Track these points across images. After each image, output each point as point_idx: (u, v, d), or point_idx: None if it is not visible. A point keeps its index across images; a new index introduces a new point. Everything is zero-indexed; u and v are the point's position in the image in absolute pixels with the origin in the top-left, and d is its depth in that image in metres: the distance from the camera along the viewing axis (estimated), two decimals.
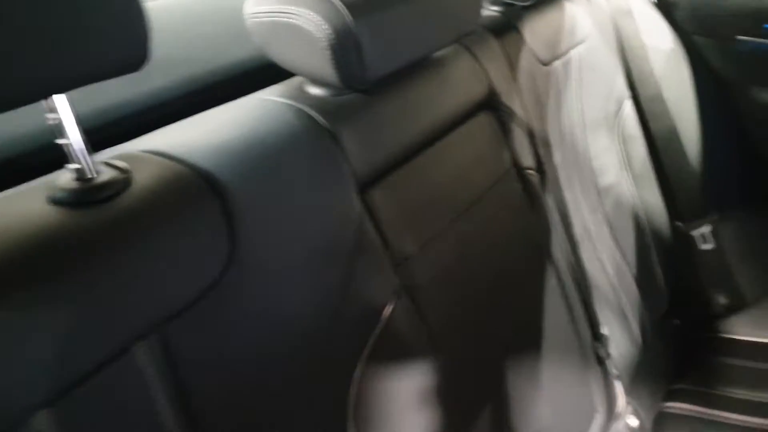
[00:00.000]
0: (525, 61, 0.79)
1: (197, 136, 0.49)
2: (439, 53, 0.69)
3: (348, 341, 0.51)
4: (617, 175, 1.01)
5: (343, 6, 0.51)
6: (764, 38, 1.11)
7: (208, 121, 0.52)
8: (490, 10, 0.84)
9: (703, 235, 1.09)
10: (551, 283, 0.76)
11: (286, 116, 0.53)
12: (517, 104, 0.76)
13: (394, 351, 0.54)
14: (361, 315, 0.52)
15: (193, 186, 0.43)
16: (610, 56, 1.02)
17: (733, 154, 1.20)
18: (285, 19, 0.53)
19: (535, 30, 0.83)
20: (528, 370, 0.70)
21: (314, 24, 0.51)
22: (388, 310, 0.53)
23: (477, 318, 0.65)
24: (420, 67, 0.65)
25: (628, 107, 1.04)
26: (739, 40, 1.13)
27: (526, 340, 0.72)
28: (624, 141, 1.03)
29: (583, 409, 0.79)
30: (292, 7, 0.53)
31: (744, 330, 1.09)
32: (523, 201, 0.75)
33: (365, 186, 0.56)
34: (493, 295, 0.68)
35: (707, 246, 1.09)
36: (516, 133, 0.75)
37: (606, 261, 0.95)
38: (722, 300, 1.12)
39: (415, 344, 0.56)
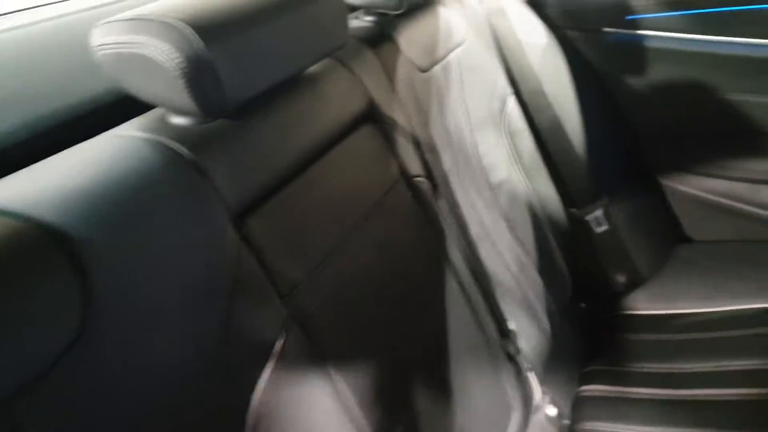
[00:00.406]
0: (403, 70, 0.79)
1: (40, 185, 0.44)
2: (312, 70, 0.67)
3: (238, 383, 0.48)
4: (508, 171, 1.03)
5: (192, 32, 0.48)
6: (627, 29, 1.18)
7: (53, 166, 0.47)
8: (364, 21, 0.83)
9: (596, 218, 1.13)
10: (452, 288, 0.76)
11: (144, 152, 0.49)
12: (399, 113, 0.76)
13: (291, 386, 0.51)
14: (250, 353, 0.49)
15: (35, 242, 0.39)
16: (489, 56, 1.05)
17: (615, 138, 1.27)
18: (133, 50, 0.49)
19: (410, 38, 0.83)
20: (438, 379, 0.69)
21: (164, 53, 0.48)
22: (278, 345, 0.51)
23: (379, 335, 0.63)
24: (291, 86, 0.63)
25: (512, 103, 1.07)
26: (606, 32, 1.19)
27: (433, 350, 0.71)
28: (511, 136, 1.05)
29: (499, 409, 0.79)
30: (139, 37, 0.49)
31: (644, 305, 1.14)
32: (416, 209, 0.75)
33: (240, 216, 0.53)
34: (394, 309, 0.67)
35: (602, 228, 1.14)
36: (401, 142, 0.74)
37: (507, 256, 0.96)
38: (621, 278, 1.17)
39: (312, 376, 0.53)
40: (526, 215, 1.04)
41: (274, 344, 0.50)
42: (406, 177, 0.74)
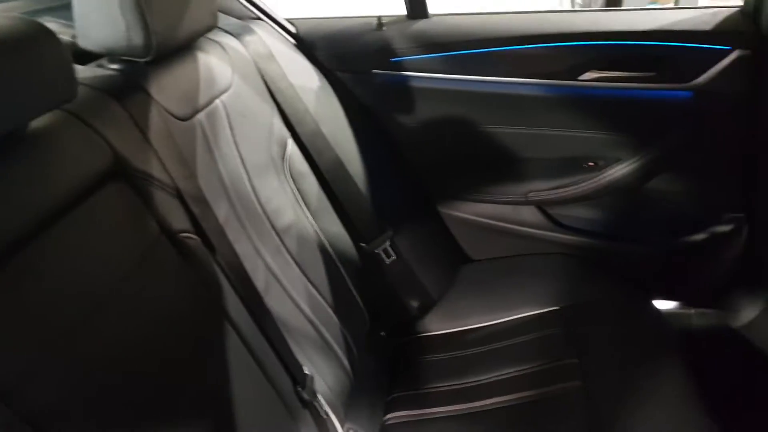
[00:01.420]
0: (157, 120, 0.74)
1: None
2: (40, 126, 0.60)
3: None
4: (295, 213, 1.02)
5: None
6: (393, 70, 1.27)
7: None
8: (109, 69, 0.77)
9: (384, 250, 1.18)
10: (233, 346, 0.72)
11: None
12: (156, 167, 0.71)
13: None
14: None
15: None
16: (261, 100, 1.04)
17: (395, 173, 1.34)
18: None
19: (164, 86, 0.79)
20: None
21: None
22: None
23: (149, 415, 0.57)
24: (11, 143, 0.55)
25: (291, 146, 1.07)
26: (374, 74, 1.27)
27: (222, 418, 0.67)
28: (295, 179, 1.05)
29: None
30: None
31: (437, 325, 1.21)
32: (184, 267, 0.70)
33: None
34: (167, 381, 0.61)
35: (391, 259, 1.18)
36: (159, 198, 0.69)
37: (300, 299, 0.95)
38: (415, 303, 1.23)
39: None
40: (317, 256, 1.05)
41: None
42: (169, 234, 0.69)
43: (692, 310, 1.38)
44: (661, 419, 0.89)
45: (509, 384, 1.01)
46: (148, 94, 0.75)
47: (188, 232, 0.72)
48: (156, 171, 0.70)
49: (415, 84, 1.26)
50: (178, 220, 0.71)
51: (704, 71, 1.12)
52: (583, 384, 0.96)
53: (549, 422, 0.93)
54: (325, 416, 0.85)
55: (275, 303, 0.89)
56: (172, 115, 0.78)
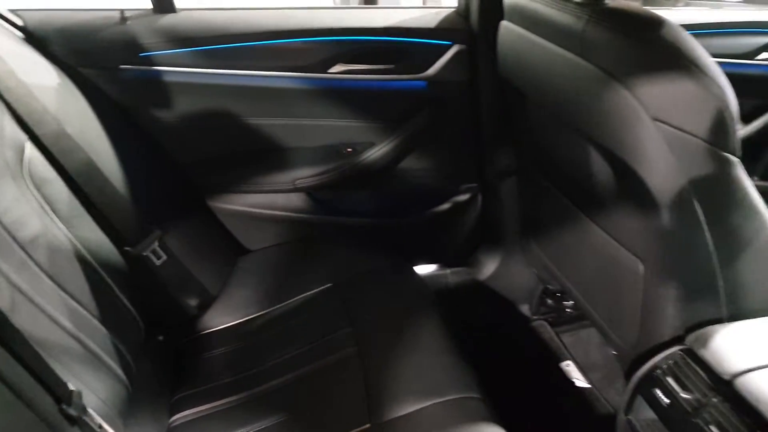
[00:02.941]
0: None
1: None
2: None
3: None
4: (42, 223, 0.94)
5: None
6: (144, 65, 1.22)
7: None
8: None
9: (154, 251, 1.14)
10: None
11: None
12: None
13: None
14: None
15: None
16: None
17: (158, 170, 1.30)
18: None
19: None
20: None
21: None
22: None
23: None
24: None
25: (30, 150, 0.98)
26: (123, 69, 1.21)
27: None
28: (38, 186, 0.96)
29: None
30: None
31: (218, 320, 1.22)
32: None
33: None
34: None
35: (161, 260, 1.15)
36: None
37: (57, 314, 0.88)
38: (193, 302, 1.22)
39: None
40: (75, 266, 0.97)
41: None
42: None
43: (447, 270, 1.59)
44: (427, 366, 1.02)
45: (290, 363, 1.07)
46: None
47: None
48: None
49: (168, 79, 1.23)
50: None
51: (433, 63, 1.30)
52: (357, 349, 1.06)
53: (329, 390, 1.01)
54: (99, 429, 0.80)
55: (26, 321, 0.81)
56: None
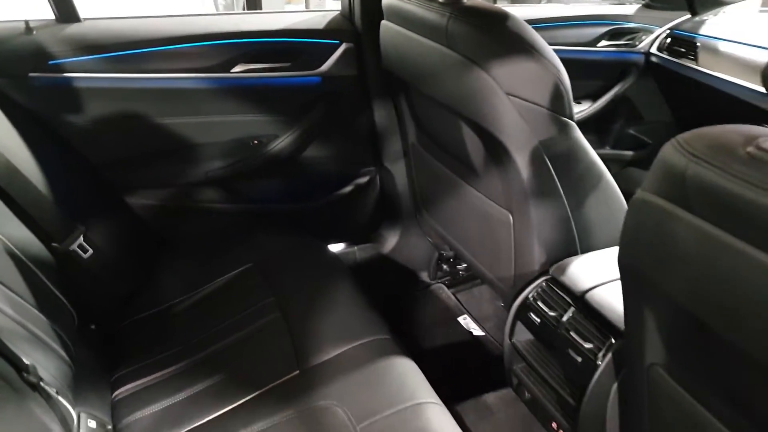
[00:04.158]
0: None
1: None
2: None
3: None
4: None
5: None
6: (54, 73, 1.29)
7: None
8: None
9: (80, 246, 1.21)
10: None
11: None
12: None
13: None
14: None
15: None
16: None
17: (77, 171, 1.37)
18: None
19: None
20: None
21: None
22: None
23: None
24: None
25: None
26: (32, 77, 1.27)
27: None
28: None
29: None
30: None
31: (145, 307, 1.30)
32: None
33: None
34: None
35: (88, 254, 1.22)
36: None
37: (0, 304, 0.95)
38: (122, 291, 1.30)
39: None
40: (7, 262, 1.04)
41: None
42: None
43: (355, 248, 1.76)
44: (344, 317, 1.18)
45: (222, 333, 1.19)
46: None
47: None
48: None
49: (79, 85, 1.30)
50: None
51: (325, 61, 1.46)
52: (282, 314, 1.20)
53: (260, 349, 1.14)
54: (55, 395, 0.89)
55: None
56: None
